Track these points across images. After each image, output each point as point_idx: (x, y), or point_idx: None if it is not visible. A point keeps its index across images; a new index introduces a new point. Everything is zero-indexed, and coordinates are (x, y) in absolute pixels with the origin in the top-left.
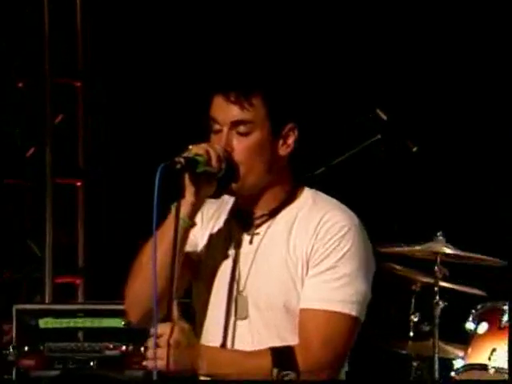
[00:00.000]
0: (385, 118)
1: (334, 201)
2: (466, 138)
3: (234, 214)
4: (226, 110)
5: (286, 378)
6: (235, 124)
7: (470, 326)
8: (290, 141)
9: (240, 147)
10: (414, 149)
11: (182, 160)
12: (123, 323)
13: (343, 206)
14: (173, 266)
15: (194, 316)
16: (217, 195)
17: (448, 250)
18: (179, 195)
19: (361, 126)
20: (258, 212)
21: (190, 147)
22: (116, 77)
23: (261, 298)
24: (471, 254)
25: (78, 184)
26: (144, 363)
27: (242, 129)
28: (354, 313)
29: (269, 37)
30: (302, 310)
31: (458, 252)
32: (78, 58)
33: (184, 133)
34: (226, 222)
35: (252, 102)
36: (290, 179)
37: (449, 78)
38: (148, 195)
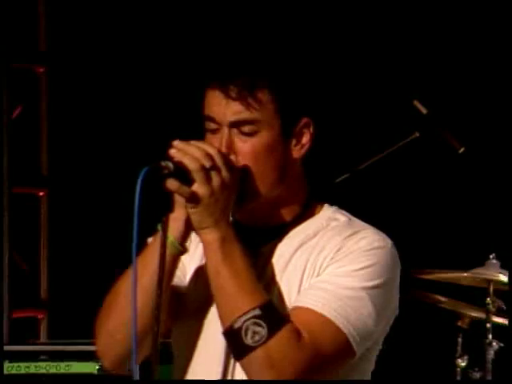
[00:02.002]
0: (424, 111)
1: (364, 223)
2: None
3: (236, 228)
4: (225, 108)
5: None
6: (237, 123)
7: None
8: (305, 139)
9: (244, 150)
10: (461, 150)
11: (170, 164)
12: (97, 368)
13: (376, 229)
14: (158, 301)
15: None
16: None
17: (503, 277)
18: (166, 210)
19: (395, 121)
20: (265, 228)
21: (175, 143)
22: (87, 61)
23: None
24: None
25: (41, 194)
26: None
27: (246, 128)
28: (351, 339)
29: (274, 17)
30: (296, 308)
31: None
32: (39, 38)
33: (171, 131)
34: None
35: (258, 97)
36: (305, 189)
37: (504, 64)
38: (126, 208)
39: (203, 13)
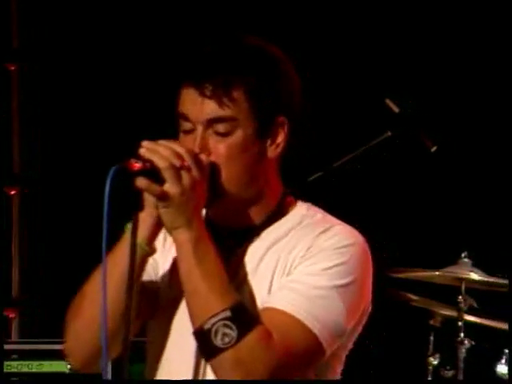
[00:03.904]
0: (396, 110)
1: (337, 220)
2: (498, 135)
3: (208, 229)
4: (200, 106)
5: None
6: (212, 122)
7: (502, 369)
8: (280, 139)
9: (219, 150)
10: (433, 149)
11: (139, 162)
12: (69, 367)
13: (348, 226)
14: (128, 302)
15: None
16: None
17: (475, 276)
18: (135, 210)
19: (367, 120)
20: (238, 228)
21: (144, 143)
22: (59, 59)
23: None
24: (504, 281)
25: (13, 193)
26: None
27: (220, 128)
28: (320, 338)
29: (248, 17)
30: (266, 309)
31: (488, 278)
32: (11, 34)
33: (144, 130)
34: None
35: (233, 96)
36: (279, 187)
37: (479, 60)
38: (97, 207)
39: (179, 10)
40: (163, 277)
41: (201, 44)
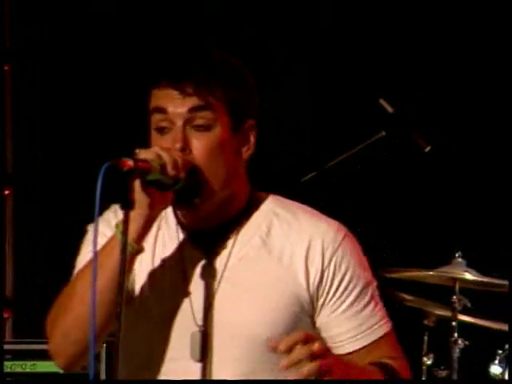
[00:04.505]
0: (390, 110)
1: (307, 208)
2: (492, 135)
3: (182, 230)
4: (180, 101)
5: None
6: (193, 111)
7: (495, 369)
8: (251, 142)
9: (199, 145)
10: (427, 149)
11: (130, 162)
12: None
13: (318, 213)
14: (120, 298)
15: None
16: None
17: (469, 276)
18: (127, 208)
19: (361, 120)
20: (214, 225)
21: (137, 151)
22: (52, 59)
23: (232, 331)
24: (498, 281)
25: (7, 193)
26: None
27: (201, 121)
28: (390, 325)
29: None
30: (361, 350)
31: (482, 278)
32: (5, 34)
33: (136, 129)
34: (173, 240)
35: (213, 91)
36: (247, 182)
37: (473, 61)
38: (90, 206)
39: (155, 12)
40: (140, 276)
41: (174, 48)
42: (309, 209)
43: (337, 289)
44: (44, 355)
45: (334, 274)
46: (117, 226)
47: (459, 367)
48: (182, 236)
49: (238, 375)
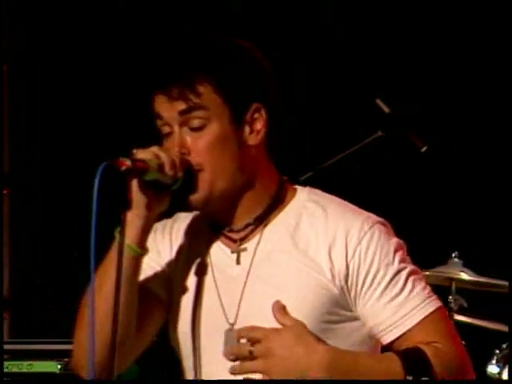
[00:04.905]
0: (387, 110)
1: (341, 201)
2: (489, 135)
3: (208, 229)
4: (170, 108)
5: None
6: (184, 114)
7: (492, 369)
8: (259, 125)
9: (197, 145)
10: (424, 148)
11: (128, 162)
12: (59, 367)
13: (351, 206)
14: (117, 299)
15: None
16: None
17: (465, 276)
18: (124, 208)
19: (357, 120)
20: (240, 222)
21: (135, 151)
22: (49, 59)
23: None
24: (494, 281)
25: (4, 193)
26: None
27: (195, 121)
28: (437, 304)
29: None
30: (399, 338)
31: (478, 278)
32: (3, 34)
33: (133, 130)
34: (201, 240)
35: (199, 92)
36: (273, 175)
37: (469, 61)
38: (88, 206)
39: (153, 13)
40: (176, 278)
41: (163, 46)
42: (343, 202)
43: (364, 280)
44: (41, 355)
45: (359, 266)
46: (116, 231)
47: None
48: (210, 235)
49: None
